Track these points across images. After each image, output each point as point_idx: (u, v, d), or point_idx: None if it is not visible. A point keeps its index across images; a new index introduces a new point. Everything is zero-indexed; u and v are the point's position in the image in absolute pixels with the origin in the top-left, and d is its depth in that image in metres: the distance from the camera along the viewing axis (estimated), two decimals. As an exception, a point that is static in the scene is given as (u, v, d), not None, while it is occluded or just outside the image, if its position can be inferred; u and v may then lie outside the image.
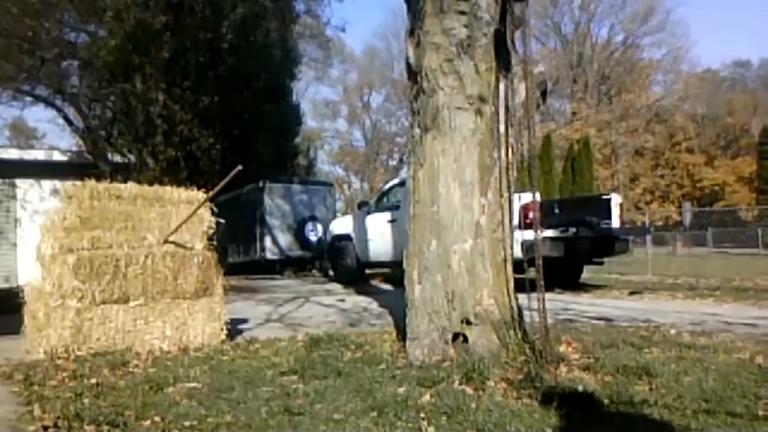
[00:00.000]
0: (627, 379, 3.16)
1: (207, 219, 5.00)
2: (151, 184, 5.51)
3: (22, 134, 42.32)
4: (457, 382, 3.17)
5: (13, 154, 14.45)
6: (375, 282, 11.44)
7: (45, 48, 14.38)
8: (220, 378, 3.53)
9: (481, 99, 3.90)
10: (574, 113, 40.99)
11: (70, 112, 17.01)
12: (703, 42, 63.66)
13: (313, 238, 14.85)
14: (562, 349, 3.84)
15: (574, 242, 8.75)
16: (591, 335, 4.46)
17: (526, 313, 3.90)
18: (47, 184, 12.23)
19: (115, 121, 15.38)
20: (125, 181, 5.14)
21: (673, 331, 4.77)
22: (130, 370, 3.83)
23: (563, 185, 22.83)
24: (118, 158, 14.57)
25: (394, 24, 40.96)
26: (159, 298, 4.68)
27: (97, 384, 3.42)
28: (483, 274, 3.81)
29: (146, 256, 4.58)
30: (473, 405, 2.78)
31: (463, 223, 3.83)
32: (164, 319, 4.68)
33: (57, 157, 14.39)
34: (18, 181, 12.73)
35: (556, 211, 9.94)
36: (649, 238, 15.20)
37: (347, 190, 49.66)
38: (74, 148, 17.61)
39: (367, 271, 11.76)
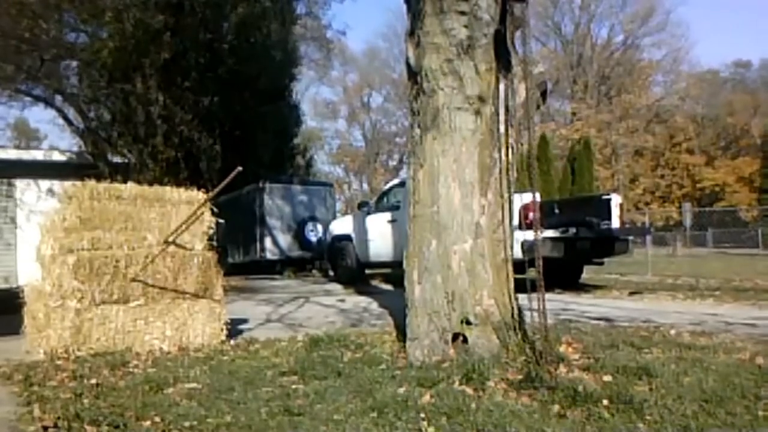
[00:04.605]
0: (627, 380, 3.15)
1: (207, 219, 5.00)
2: (151, 184, 5.51)
3: (24, 135, 42.43)
4: (457, 383, 3.17)
5: (12, 154, 14.45)
6: (375, 282, 11.44)
7: (44, 48, 14.39)
8: (220, 378, 3.53)
9: (481, 99, 3.90)
10: (574, 113, 41.01)
11: (70, 112, 17.04)
12: (703, 42, 63.67)
13: (313, 238, 14.85)
14: (562, 349, 3.84)
15: (574, 242, 8.75)
16: (591, 335, 4.45)
17: (526, 313, 3.90)
18: (46, 185, 12.24)
19: (114, 122, 15.37)
20: (125, 182, 5.15)
21: (673, 332, 4.76)
22: (130, 370, 3.82)
23: (564, 185, 22.82)
24: (117, 159, 14.57)
25: (395, 25, 41.02)
26: (159, 298, 4.68)
27: (97, 384, 3.42)
28: (483, 275, 3.81)
29: (146, 257, 4.58)
30: (473, 405, 2.78)
31: (463, 224, 3.83)
32: (164, 320, 4.68)
33: (56, 157, 14.39)
34: (17, 182, 12.73)
35: (556, 211, 9.94)
36: (649, 238, 15.22)
37: (347, 191, 49.69)
38: (74, 149, 17.62)
39: (367, 271, 11.76)
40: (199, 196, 5.03)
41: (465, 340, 3.71)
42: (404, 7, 4.34)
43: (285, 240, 14.94)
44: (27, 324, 4.74)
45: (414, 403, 2.83)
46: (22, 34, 13.52)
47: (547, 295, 3.54)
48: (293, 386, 3.29)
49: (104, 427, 2.65)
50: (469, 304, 3.75)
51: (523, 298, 3.90)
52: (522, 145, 4.39)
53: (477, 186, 3.87)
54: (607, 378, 3.21)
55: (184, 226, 4.79)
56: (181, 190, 5.14)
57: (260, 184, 14.79)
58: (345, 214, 25.88)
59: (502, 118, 4.04)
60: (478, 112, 3.89)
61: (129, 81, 14.11)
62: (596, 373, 3.30)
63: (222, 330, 4.94)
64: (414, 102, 4.15)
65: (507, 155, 4.08)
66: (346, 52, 41.75)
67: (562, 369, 3.37)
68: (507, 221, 4.03)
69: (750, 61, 48.05)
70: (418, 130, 4.05)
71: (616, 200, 9.61)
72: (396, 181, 11.67)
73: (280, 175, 16.29)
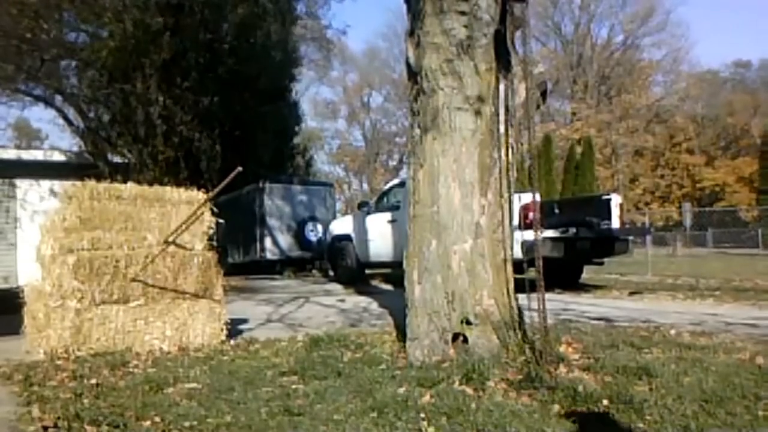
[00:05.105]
0: (627, 380, 3.16)
1: (207, 219, 5.00)
2: (150, 184, 5.51)
3: (26, 135, 42.46)
4: (457, 383, 3.17)
5: (12, 154, 14.44)
6: (375, 282, 11.44)
7: (44, 48, 14.38)
8: (220, 378, 3.53)
9: (481, 99, 3.90)
10: (574, 113, 41.02)
11: (70, 112, 17.03)
12: (703, 42, 63.63)
13: (313, 238, 14.86)
14: (562, 349, 3.84)
15: (574, 242, 8.76)
16: (591, 335, 4.46)
17: (526, 313, 3.90)
18: (47, 184, 12.24)
19: (114, 122, 15.38)
20: (125, 182, 5.15)
21: (673, 332, 4.77)
22: (130, 370, 3.83)
23: (565, 186, 22.84)
24: (117, 159, 14.58)
25: (395, 25, 41.03)
26: (159, 298, 4.68)
27: (97, 384, 3.42)
28: (483, 275, 3.81)
29: (146, 257, 4.58)
30: (473, 405, 2.78)
31: (463, 224, 3.83)
32: (164, 320, 4.68)
33: (56, 157, 14.39)
34: (18, 181, 12.74)
35: (556, 211, 9.95)
36: (649, 238, 15.21)
37: (347, 191, 49.69)
38: (74, 149, 17.62)
39: (367, 271, 11.76)
40: (199, 196, 5.03)
41: (465, 340, 3.71)
42: (404, 7, 4.34)
43: (285, 240, 14.94)
44: (27, 324, 4.74)
45: (414, 403, 2.83)
46: (22, 34, 13.51)
47: (547, 295, 3.54)
48: (293, 386, 3.29)
49: (104, 427, 2.65)
50: (469, 304, 3.75)
51: (523, 298, 3.90)
52: (522, 145, 4.39)
53: (477, 186, 3.87)
54: (607, 378, 3.21)
55: (184, 226, 4.79)
56: (181, 190, 5.14)
57: (260, 184, 14.79)
58: (345, 214, 25.89)
59: (502, 118, 4.04)
60: (478, 112, 3.89)
61: (129, 81, 14.10)
62: (596, 373, 3.30)
63: (222, 330, 4.94)
64: (414, 102, 4.15)
65: (507, 155, 4.08)
66: (346, 52, 41.83)
67: (562, 369, 3.37)
68: (507, 221, 4.03)
69: (750, 61, 48.11)
70: (418, 130, 4.05)
71: (616, 200, 9.61)
72: (396, 181, 11.67)
73: (280, 175, 16.29)
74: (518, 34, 4.10)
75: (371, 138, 49.38)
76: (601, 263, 10.26)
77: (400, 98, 42.55)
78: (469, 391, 3.04)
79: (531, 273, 3.71)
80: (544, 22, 43.39)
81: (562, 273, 9.12)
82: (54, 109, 17.26)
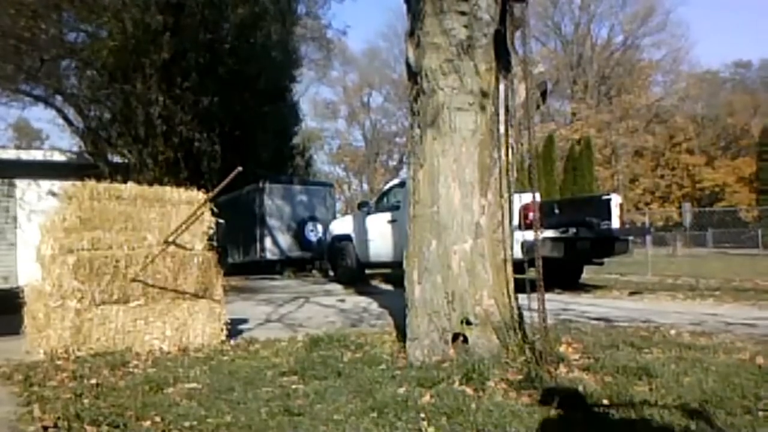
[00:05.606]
0: (627, 380, 3.16)
1: (207, 219, 5.00)
2: (150, 184, 5.51)
3: (26, 135, 42.47)
4: (457, 383, 3.17)
5: (11, 154, 14.44)
6: (375, 282, 11.45)
7: (44, 48, 14.38)
8: (220, 378, 3.53)
9: (481, 99, 3.90)
10: (574, 114, 40.99)
11: (70, 112, 17.02)
12: (703, 42, 63.62)
13: (313, 238, 14.87)
14: (562, 349, 3.84)
15: (574, 243, 8.76)
16: (591, 336, 4.46)
17: (526, 313, 3.90)
18: (46, 185, 12.23)
19: (114, 122, 15.38)
20: (125, 182, 5.15)
21: (673, 332, 4.77)
22: (130, 370, 3.83)
23: (565, 186, 22.85)
24: (117, 159, 14.58)
25: (395, 25, 41.03)
26: (159, 298, 4.68)
27: (97, 384, 3.42)
28: (483, 275, 3.81)
29: (146, 257, 4.58)
30: (473, 405, 2.78)
31: (463, 224, 3.83)
32: (164, 320, 4.68)
33: (56, 157, 14.39)
34: (17, 181, 12.74)
35: (556, 211, 9.95)
36: (649, 238, 15.22)
37: (347, 191, 49.68)
38: (74, 149, 17.61)
39: (367, 272, 11.76)
40: (199, 196, 5.03)
41: (465, 340, 3.71)
42: (404, 7, 4.34)
43: (285, 240, 14.95)
44: (27, 324, 4.74)
45: (414, 403, 2.83)
46: (21, 33, 13.51)
47: (547, 295, 3.54)
48: (293, 386, 3.29)
49: (104, 427, 2.65)
50: (469, 304, 3.75)
51: (523, 298, 3.90)
52: (522, 145, 4.39)
53: (477, 186, 3.87)
54: (607, 378, 3.21)
55: (184, 226, 4.79)
56: (181, 190, 5.14)
57: (260, 184, 14.80)
58: (345, 214, 25.89)
59: (502, 118, 4.04)
60: (478, 113, 3.89)
61: (129, 81, 14.10)
62: (596, 373, 3.30)
63: (222, 330, 4.94)
64: (414, 102, 4.15)
65: (507, 155, 4.08)
66: (346, 52, 41.84)
67: (562, 369, 3.37)
68: (507, 221, 4.03)
69: (750, 61, 48.14)
70: (418, 130, 4.05)
71: (616, 200, 9.61)
72: (396, 181, 11.67)
73: (280, 175, 16.30)
74: (518, 34, 4.10)
75: (371, 138, 49.37)
76: (601, 263, 10.26)
77: (400, 98, 42.54)
78: (469, 391, 3.04)
79: (531, 273, 3.71)
80: (544, 22, 43.40)
81: (562, 273, 9.12)
82: (54, 109, 17.26)
